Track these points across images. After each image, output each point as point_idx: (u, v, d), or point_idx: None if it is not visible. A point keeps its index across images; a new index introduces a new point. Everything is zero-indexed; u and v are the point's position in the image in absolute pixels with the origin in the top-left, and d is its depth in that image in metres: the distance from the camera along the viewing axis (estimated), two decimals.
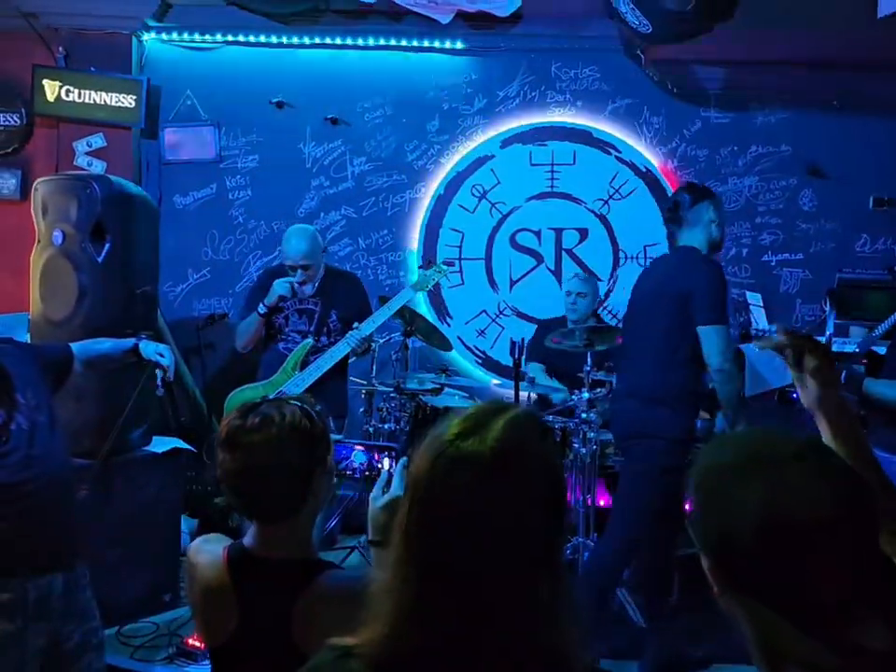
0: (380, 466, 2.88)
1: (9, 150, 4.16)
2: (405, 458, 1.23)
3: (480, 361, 4.39)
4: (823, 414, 1.18)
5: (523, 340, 3.31)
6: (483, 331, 4.41)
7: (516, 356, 3.28)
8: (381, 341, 3.80)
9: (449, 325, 4.37)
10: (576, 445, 3.29)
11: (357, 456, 3.60)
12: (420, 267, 3.28)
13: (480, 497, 0.81)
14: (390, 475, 1.24)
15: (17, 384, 2.07)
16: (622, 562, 2.78)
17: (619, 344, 3.39)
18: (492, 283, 4.41)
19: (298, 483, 1.28)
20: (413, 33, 4.17)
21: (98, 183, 3.13)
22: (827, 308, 4.04)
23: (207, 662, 2.81)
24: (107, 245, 3.12)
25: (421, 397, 3.65)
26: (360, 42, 4.24)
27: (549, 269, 4.40)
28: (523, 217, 4.36)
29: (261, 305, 3.15)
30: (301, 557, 1.30)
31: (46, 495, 2.02)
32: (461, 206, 4.36)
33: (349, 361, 3.30)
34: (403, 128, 4.31)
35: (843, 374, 2.59)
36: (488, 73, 4.30)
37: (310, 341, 3.16)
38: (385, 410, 3.74)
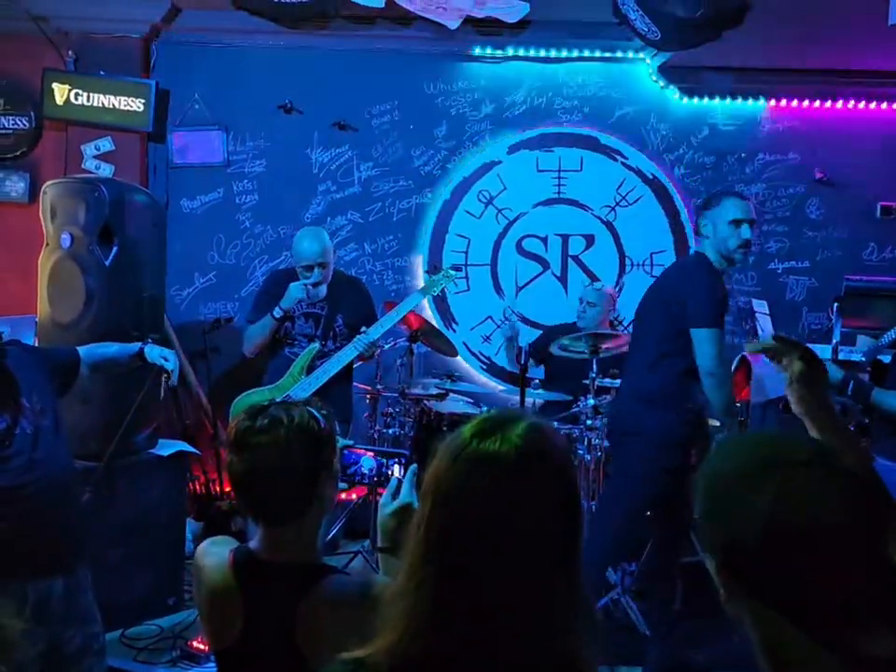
0: (389, 472, 2.88)
1: (18, 153, 4.18)
2: (415, 465, 1.24)
3: (485, 367, 4.39)
4: (811, 420, 1.20)
5: (528, 345, 3.31)
6: (488, 337, 4.40)
7: (522, 361, 3.28)
8: (386, 346, 3.80)
9: (454, 331, 4.37)
10: (580, 452, 3.28)
11: (366, 462, 3.60)
12: (427, 272, 3.28)
13: (502, 497, 0.81)
14: (400, 482, 1.24)
15: (22, 387, 2.08)
16: (602, 559, 2.77)
17: (625, 351, 3.41)
18: (498, 289, 4.40)
19: (304, 485, 1.28)
20: (422, 38, 4.18)
21: (106, 186, 3.14)
22: (833, 316, 4.03)
23: (211, 665, 2.85)
24: (115, 249, 3.13)
25: (426, 402, 3.65)
26: (368, 47, 4.25)
27: (555, 275, 4.39)
28: (529, 223, 4.36)
29: (277, 309, 3.14)
30: (306, 561, 1.30)
31: (47, 498, 2.03)
32: (467, 212, 4.36)
33: (353, 366, 3.30)
34: (410, 133, 4.31)
35: (850, 385, 2.57)
36: (496, 79, 4.30)
37: (316, 345, 3.16)
38: (389, 415, 3.74)
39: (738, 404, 3.74)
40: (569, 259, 4.38)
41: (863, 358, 3.70)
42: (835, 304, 3.96)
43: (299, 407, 1.32)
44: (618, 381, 3.24)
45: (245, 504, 1.33)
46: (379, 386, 3.75)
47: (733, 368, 3.64)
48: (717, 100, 4.31)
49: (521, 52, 4.27)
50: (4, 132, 4.17)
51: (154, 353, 2.43)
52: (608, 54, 4.26)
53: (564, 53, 4.27)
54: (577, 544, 0.86)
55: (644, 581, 3.07)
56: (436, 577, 0.81)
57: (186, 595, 3.30)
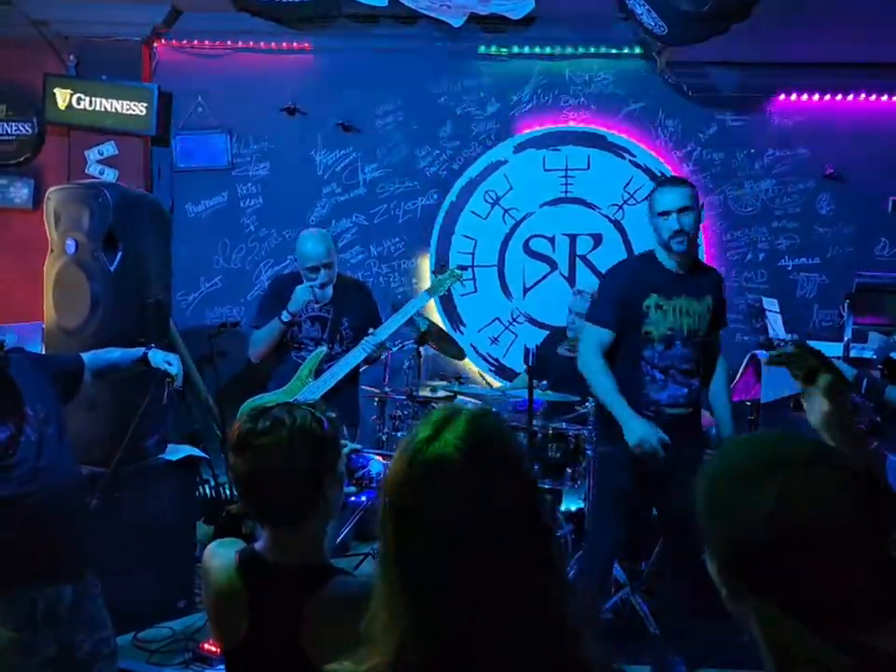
0: None
1: (21, 159, 4.16)
2: None
3: (493, 369, 4.35)
4: (829, 435, 1.18)
5: (536, 346, 3.27)
6: (496, 339, 4.37)
7: (530, 362, 3.24)
8: (394, 348, 3.77)
9: (462, 332, 4.33)
10: (589, 453, 3.25)
11: (375, 466, 3.57)
12: (433, 272, 3.26)
13: (453, 497, 0.80)
14: None
15: (26, 395, 2.07)
16: (592, 547, 2.83)
17: None
18: (505, 290, 4.36)
19: (307, 487, 1.28)
20: (425, 37, 4.14)
21: (110, 191, 3.12)
22: (845, 313, 3.98)
23: (222, 666, 2.84)
24: (120, 254, 3.11)
25: (434, 405, 3.62)
26: (372, 46, 4.21)
27: (562, 275, 4.35)
28: (536, 223, 4.32)
29: (285, 313, 3.10)
30: (312, 563, 1.30)
31: (53, 506, 2.03)
32: (474, 213, 4.32)
33: (360, 370, 3.28)
34: (415, 134, 4.28)
35: (864, 382, 2.53)
36: (501, 77, 4.26)
37: (324, 348, 3.14)
38: (398, 417, 3.71)
39: (749, 403, 3.72)
40: (577, 259, 4.34)
41: (875, 356, 3.66)
42: (846, 301, 3.93)
43: (301, 409, 1.32)
44: None
45: (248, 505, 1.33)
46: (387, 389, 3.72)
47: (742, 366, 3.60)
48: (725, 95, 4.26)
49: (526, 50, 4.23)
50: (7, 138, 4.15)
51: (158, 357, 2.42)
52: (614, 50, 4.22)
53: (570, 50, 4.23)
54: (545, 535, 0.84)
55: (653, 580, 3.07)
56: (412, 597, 0.81)
57: (197, 598, 3.32)
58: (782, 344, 3.01)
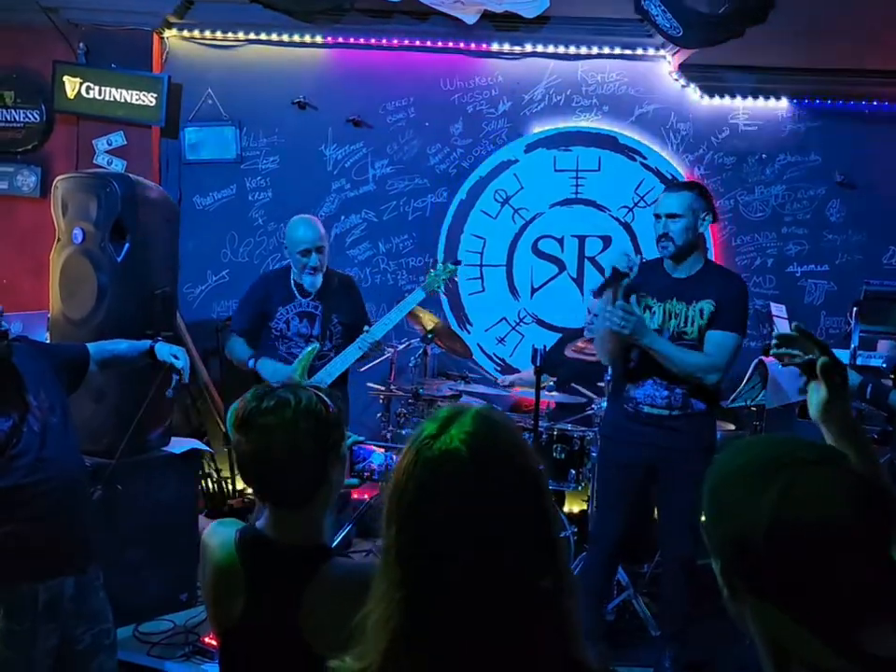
0: None
1: (29, 147, 4.13)
2: None
3: (499, 369, 4.33)
4: (830, 423, 1.20)
5: (544, 347, 3.25)
6: (502, 339, 4.35)
7: (538, 363, 3.23)
8: (400, 346, 3.75)
9: (469, 332, 4.31)
10: (594, 454, 3.24)
11: (376, 458, 3.56)
12: (426, 270, 3.23)
13: (460, 494, 0.80)
14: None
15: (30, 385, 2.06)
16: (602, 558, 2.82)
17: None
18: (513, 290, 4.34)
19: (311, 466, 1.28)
20: (439, 33, 4.12)
21: (118, 182, 3.10)
22: (852, 320, 3.96)
23: None
24: (127, 245, 3.09)
25: (439, 403, 3.60)
26: (384, 42, 4.18)
27: (571, 277, 4.33)
28: (545, 224, 4.29)
29: (252, 360, 3.09)
30: (312, 544, 1.30)
31: (56, 497, 2.02)
32: (483, 212, 4.30)
33: (349, 370, 3.24)
34: (426, 131, 4.25)
35: (868, 388, 2.53)
36: (513, 75, 4.24)
37: (316, 345, 3.11)
38: (403, 415, 3.70)
39: (754, 408, 3.70)
40: (586, 261, 4.32)
41: (884, 364, 3.65)
42: (854, 309, 3.92)
43: (306, 390, 1.32)
44: None
45: (251, 484, 1.33)
46: (392, 387, 3.70)
47: (748, 373, 3.58)
48: (738, 99, 4.24)
49: (539, 49, 4.20)
50: (15, 125, 4.12)
51: (164, 350, 2.41)
52: (628, 51, 4.19)
53: (583, 50, 4.20)
54: (552, 536, 0.84)
55: (655, 582, 3.09)
56: (408, 585, 0.80)
57: (198, 591, 3.30)
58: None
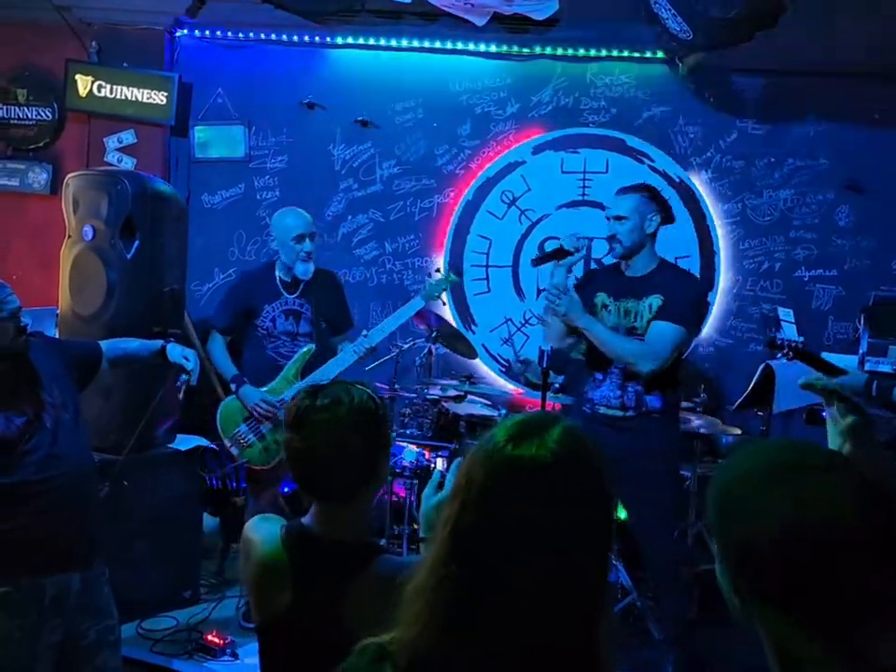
0: (432, 465, 2.83)
1: (41, 144, 4.16)
2: (459, 459, 1.24)
3: (504, 370, 4.34)
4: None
5: (551, 348, 3.25)
6: (507, 340, 4.35)
7: (544, 364, 3.23)
8: (405, 346, 3.76)
9: (474, 332, 4.32)
10: None
11: (408, 455, 3.56)
12: (428, 276, 3.24)
13: (535, 501, 0.81)
14: (443, 475, 1.26)
15: (44, 381, 2.07)
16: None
17: None
18: (518, 291, 4.35)
19: (363, 463, 1.30)
20: (448, 35, 4.13)
21: (129, 180, 3.13)
22: (861, 326, 3.95)
23: (226, 657, 2.87)
24: (137, 243, 3.11)
25: (443, 403, 3.61)
26: (394, 43, 4.20)
27: (577, 278, 4.31)
28: (552, 226, 4.29)
29: (233, 386, 3.09)
30: (359, 539, 1.32)
31: (66, 493, 2.03)
32: (490, 212, 4.30)
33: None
34: (434, 132, 4.26)
35: (874, 384, 2.54)
36: (522, 77, 4.24)
37: (312, 346, 3.12)
38: (407, 415, 3.70)
39: (761, 413, 3.69)
40: (592, 263, 4.31)
41: (893, 370, 3.63)
42: (863, 315, 3.90)
43: (357, 387, 1.34)
44: None
45: (301, 481, 1.34)
46: (397, 387, 3.71)
47: (755, 377, 3.57)
48: (747, 103, 4.23)
49: (548, 51, 4.20)
50: (27, 123, 4.15)
51: (176, 352, 2.42)
52: (637, 54, 4.19)
53: (592, 52, 4.20)
54: (607, 554, 0.86)
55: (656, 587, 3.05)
56: (458, 578, 0.81)
57: (201, 588, 3.32)
58: (783, 343, 2.98)
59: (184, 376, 2.40)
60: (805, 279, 4.31)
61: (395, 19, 4.08)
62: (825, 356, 2.86)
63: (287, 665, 1.32)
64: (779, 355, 3.14)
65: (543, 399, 3.25)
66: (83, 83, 4.05)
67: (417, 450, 3.39)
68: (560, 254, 2.73)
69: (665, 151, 4.25)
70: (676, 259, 4.30)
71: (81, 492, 2.10)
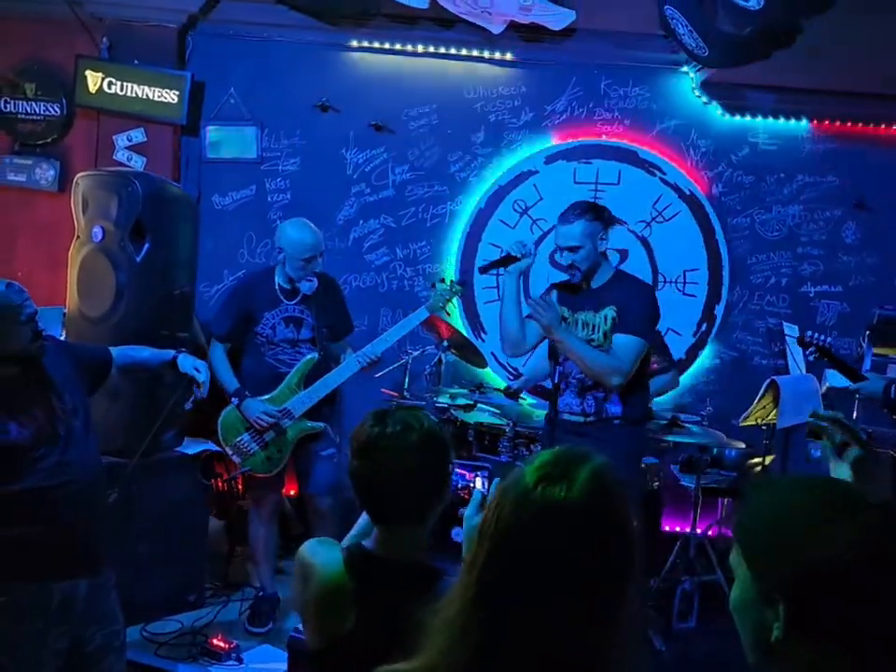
0: (472, 485, 2.85)
1: (49, 140, 4.11)
2: (498, 479, 1.25)
3: (512, 378, 4.32)
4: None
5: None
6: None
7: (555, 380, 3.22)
8: (415, 353, 3.75)
9: (483, 340, 4.31)
10: None
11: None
12: (432, 285, 3.22)
13: (564, 546, 0.82)
14: (484, 496, 1.27)
15: (56, 387, 2.06)
16: None
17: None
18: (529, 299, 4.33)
19: (432, 488, 1.34)
20: (464, 41, 4.12)
21: (140, 181, 3.10)
22: (864, 343, 3.98)
23: (231, 661, 2.85)
24: (147, 245, 3.08)
25: (452, 412, 3.60)
26: (409, 48, 4.18)
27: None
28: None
29: (235, 399, 3.06)
30: (422, 562, 1.35)
31: (76, 500, 2.03)
32: (502, 221, 4.30)
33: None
34: (448, 138, 4.24)
35: (892, 389, 2.59)
36: (537, 86, 4.23)
37: (315, 355, 3.10)
38: None
39: (765, 427, 3.70)
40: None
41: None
42: (867, 332, 3.92)
43: (424, 413, 1.38)
44: None
45: (369, 505, 1.36)
46: (406, 394, 3.70)
47: (760, 392, 3.58)
48: (759, 118, 4.25)
49: (564, 60, 4.20)
50: (35, 118, 4.10)
51: (187, 363, 2.41)
52: (651, 66, 4.19)
53: (607, 63, 4.20)
54: (634, 593, 0.86)
55: (661, 596, 3.11)
56: (483, 619, 0.82)
57: (206, 592, 3.30)
58: (817, 343, 3.03)
59: (195, 388, 2.39)
60: (811, 294, 4.34)
61: (410, 24, 4.06)
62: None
63: None
64: (807, 352, 3.19)
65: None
66: (93, 79, 3.99)
67: (459, 470, 3.36)
68: (507, 261, 2.78)
69: (676, 164, 4.26)
70: (685, 271, 4.33)
71: (91, 499, 2.09)
